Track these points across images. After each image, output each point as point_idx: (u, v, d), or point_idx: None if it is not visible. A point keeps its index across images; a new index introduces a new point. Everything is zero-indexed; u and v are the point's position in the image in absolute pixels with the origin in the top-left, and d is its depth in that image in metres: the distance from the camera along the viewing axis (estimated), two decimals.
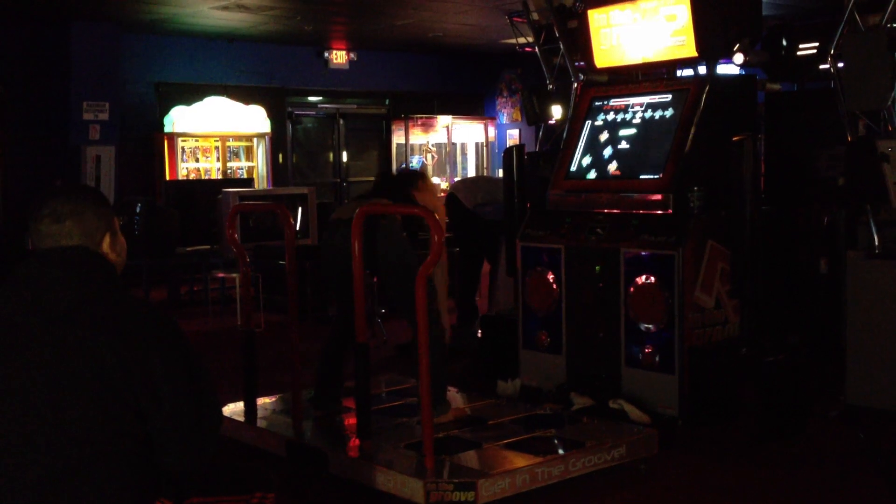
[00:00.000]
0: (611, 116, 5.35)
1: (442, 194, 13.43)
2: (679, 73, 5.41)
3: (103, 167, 10.72)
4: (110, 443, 2.03)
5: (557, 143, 5.96)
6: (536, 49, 6.51)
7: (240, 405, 4.77)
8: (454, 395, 5.04)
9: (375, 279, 7.39)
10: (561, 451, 4.04)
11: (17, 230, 8.79)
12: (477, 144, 14.47)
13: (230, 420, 4.61)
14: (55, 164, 10.80)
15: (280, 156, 13.04)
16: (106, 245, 2.22)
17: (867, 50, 4.86)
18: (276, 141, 12.74)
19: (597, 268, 4.96)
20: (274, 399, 5.00)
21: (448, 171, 13.76)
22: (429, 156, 13.91)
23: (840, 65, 5.04)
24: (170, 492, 2.20)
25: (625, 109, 5.30)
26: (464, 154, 14.55)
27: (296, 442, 4.32)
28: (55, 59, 10.92)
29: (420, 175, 5.29)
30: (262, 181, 12.27)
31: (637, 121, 5.20)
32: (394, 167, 13.95)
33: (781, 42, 5.77)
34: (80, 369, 2.02)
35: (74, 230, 2.18)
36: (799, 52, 5.75)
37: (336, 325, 4.84)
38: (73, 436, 2.00)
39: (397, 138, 13.99)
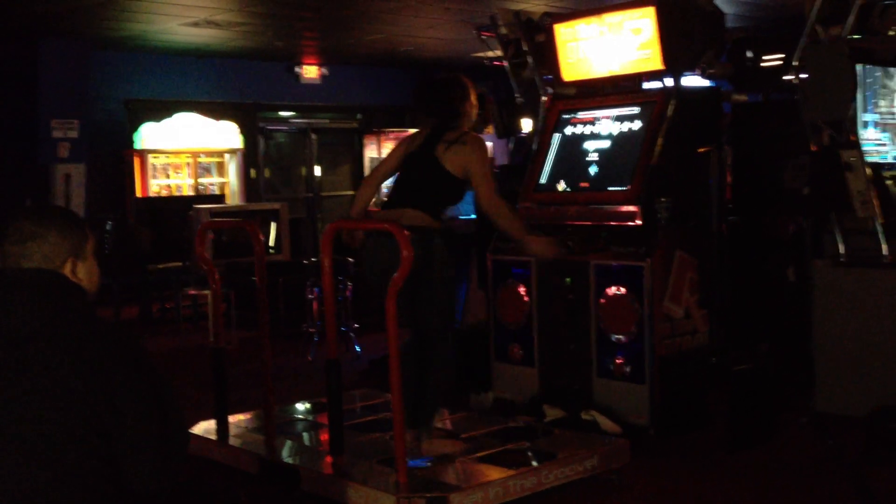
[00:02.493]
0: (579, 129, 5.40)
1: None
2: (645, 85, 5.46)
3: (73, 185, 10.63)
4: (76, 464, 2.02)
5: (527, 155, 5.99)
6: (505, 63, 6.55)
7: (211, 423, 4.74)
8: None
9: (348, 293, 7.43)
10: (534, 464, 4.05)
11: None
12: None
13: (202, 438, 4.59)
14: (24, 182, 10.70)
15: (252, 171, 13.00)
16: (67, 270, 2.20)
17: (828, 61, 4.93)
18: (248, 156, 12.71)
19: (567, 280, 4.99)
20: (246, 416, 4.98)
21: None
22: None
23: (803, 76, 5.11)
24: None
25: (593, 122, 5.35)
26: None
27: (268, 459, 4.30)
28: (23, 76, 10.83)
29: (465, 81, 4.60)
30: (234, 197, 12.23)
31: (605, 133, 5.25)
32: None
33: (746, 54, 5.84)
34: (42, 391, 2.01)
35: (35, 252, 2.16)
36: (763, 64, 5.82)
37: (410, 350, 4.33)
38: (38, 458, 1.99)
39: (370, 152, 13.99)
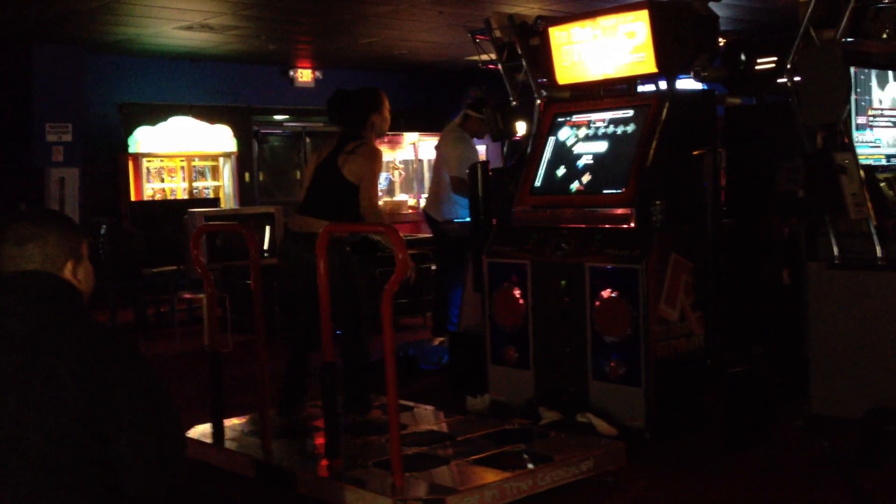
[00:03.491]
0: (573, 132, 5.41)
1: (410, 210, 13.56)
2: (640, 88, 5.47)
3: (67, 189, 10.63)
4: (72, 468, 2.02)
5: (522, 158, 6.00)
6: (499, 66, 6.56)
7: (207, 427, 4.74)
8: (424, 412, 5.05)
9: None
10: (530, 466, 4.05)
11: None
12: None
13: (198, 442, 4.59)
14: (18, 186, 10.70)
15: (246, 175, 13.00)
16: (68, 271, 2.21)
17: (822, 64, 4.95)
18: (243, 160, 12.71)
19: (562, 282, 5.00)
20: (242, 420, 4.98)
21: (416, 187, 13.79)
22: (396, 173, 13.95)
23: (797, 79, 5.13)
24: None
25: (587, 125, 5.36)
26: (431, 170, 14.57)
27: (264, 462, 4.30)
28: (17, 80, 10.83)
29: (378, 94, 5.11)
30: (228, 201, 12.23)
31: (599, 136, 5.26)
32: None
33: (740, 57, 5.85)
34: (40, 395, 2.01)
35: (36, 255, 2.17)
36: (757, 67, 5.83)
37: (300, 332, 5.03)
38: (35, 462, 1.99)
39: None
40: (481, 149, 14.50)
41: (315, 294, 4.13)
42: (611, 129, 5.22)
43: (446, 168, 7.33)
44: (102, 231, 8.91)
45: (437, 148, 7.76)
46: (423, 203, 11.60)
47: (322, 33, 10.99)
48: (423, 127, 14.30)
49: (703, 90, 5.67)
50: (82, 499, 2.04)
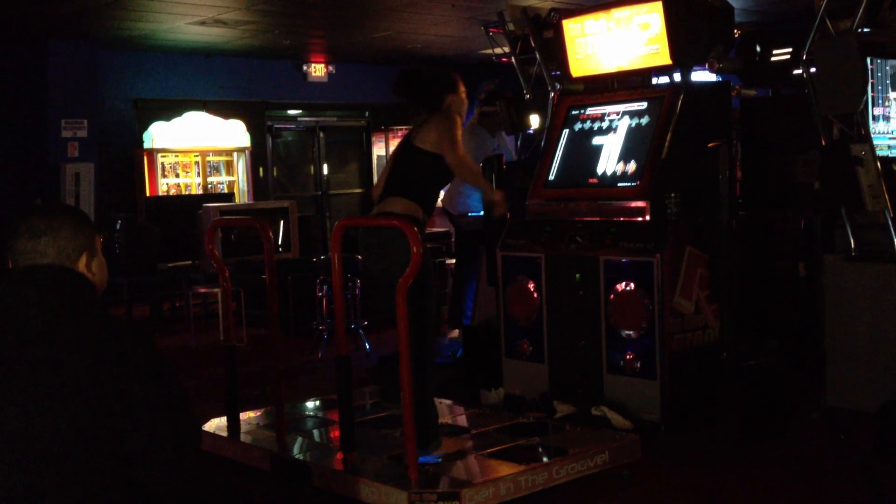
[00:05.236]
0: (587, 125, 5.39)
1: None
2: (654, 80, 5.45)
3: (83, 184, 10.67)
4: (89, 461, 2.03)
5: (536, 152, 5.99)
6: (513, 59, 6.55)
7: (223, 420, 4.76)
8: (439, 405, 5.05)
9: (357, 291, 7.45)
10: (545, 459, 4.06)
11: None
12: None
13: (213, 435, 4.61)
14: (34, 182, 10.75)
15: (260, 170, 13.02)
16: (82, 264, 2.21)
17: (838, 55, 4.91)
18: (257, 155, 12.73)
19: (577, 276, 4.99)
20: (257, 413, 4.99)
21: None
22: None
23: (812, 70, 5.09)
24: None
25: (601, 118, 5.34)
26: None
27: (279, 456, 4.31)
28: (32, 77, 10.87)
29: (453, 75, 4.59)
30: (242, 195, 12.25)
31: (613, 129, 5.24)
32: (375, 179, 13.95)
33: (755, 48, 5.82)
34: (55, 388, 2.02)
35: (49, 248, 2.17)
36: (773, 58, 5.80)
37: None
38: (51, 455, 2.00)
39: (378, 150, 14.00)
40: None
41: (388, 277, 3.95)
42: (625, 121, 5.20)
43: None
44: (118, 226, 8.94)
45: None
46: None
47: (335, 28, 10.98)
48: None
49: (717, 82, 5.65)
50: (98, 492, 2.05)
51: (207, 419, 4.79)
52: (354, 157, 14.62)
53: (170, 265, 9.18)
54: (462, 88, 4.58)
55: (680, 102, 4.96)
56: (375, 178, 13.87)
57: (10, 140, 10.97)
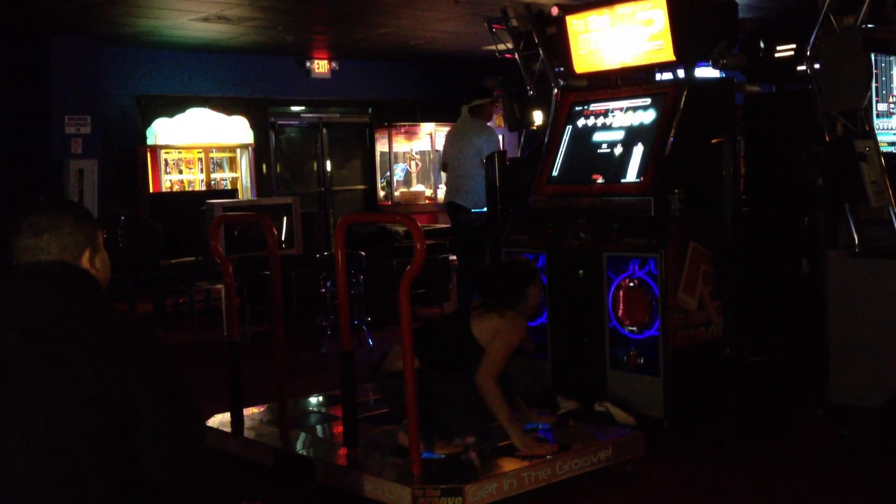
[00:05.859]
0: (591, 121, 5.39)
1: (427, 201, 13.56)
2: (657, 76, 5.44)
3: (86, 181, 10.68)
4: (93, 457, 2.03)
5: (539, 148, 5.98)
6: (516, 55, 6.54)
7: (226, 416, 4.77)
8: None
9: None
10: (548, 455, 4.05)
11: (0, 246, 8.74)
12: None
13: (217, 431, 4.61)
14: (38, 178, 10.76)
15: (264, 166, 13.02)
16: (85, 260, 2.21)
17: (842, 51, 4.91)
18: (260, 151, 12.73)
19: (580, 271, 4.98)
20: (261, 409, 5.00)
21: (432, 178, 13.77)
22: (412, 163, 13.94)
23: (816, 66, 5.09)
24: None
25: (605, 114, 5.34)
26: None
27: (283, 451, 4.32)
28: (36, 73, 10.88)
29: (535, 271, 4.42)
30: (246, 192, 12.25)
31: (617, 125, 5.24)
32: (378, 176, 13.95)
33: (759, 44, 5.81)
34: (59, 384, 2.02)
35: (52, 244, 2.17)
36: (776, 54, 5.79)
37: None
38: (56, 451, 2.00)
39: (381, 146, 14.00)
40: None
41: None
42: (628, 117, 5.19)
43: (475, 154, 7.19)
44: (121, 222, 8.95)
45: (455, 139, 7.66)
46: (440, 193, 11.61)
47: (338, 24, 10.98)
48: (440, 117, 14.27)
49: (721, 78, 5.65)
50: (102, 487, 2.05)
51: (211, 415, 4.79)
52: (357, 153, 14.62)
53: (173, 261, 9.19)
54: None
55: (683, 98, 4.95)
56: (378, 175, 13.94)
57: (13, 136, 10.98)
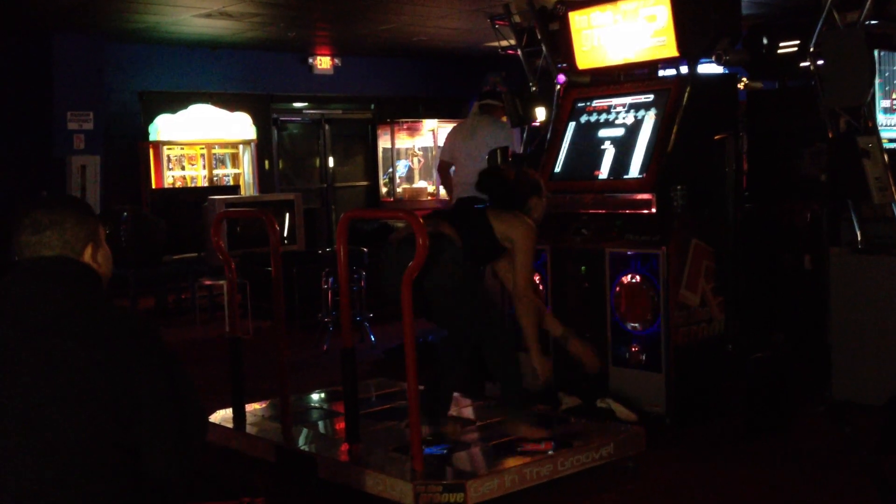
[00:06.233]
0: (594, 117, 5.38)
1: (430, 198, 13.55)
2: (660, 72, 5.43)
3: (89, 177, 10.68)
4: (96, 452, 2.03)
5: (541, 144, 5.98)
6: (519, 52, 6.54)
7: (229, 412, 4.77)
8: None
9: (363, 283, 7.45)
10: (550, 451, 4.05)
11: (2, 242, 8.75)
12: None
13: (219, 427, 4.62)
14: (40, 174, 10.77)
15: (266, 162, 13.02)
16: (87, 255, 2.21)
17: (845, 47, 4.90)
18: (262, 147, 12.72)
19: (582, 268, 4.98)
20: (263, 405, 5.00)
21: (435, 174, 13.77)
22: (415, 160, 13.93)
23: (819, 62, 5.08)
24: (157, 500, 2.20)
25: (607, 110, 5.33)
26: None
27: (285, 447, 4.32)
28: (38, 69, 10.88)
29: (538, 184, 4.57)
30: (248, 188, 12.25)
31: (620, 121, 5.23)
32: (380, 172, 13.95)
33: (762, 41, 5.81)
34: (62, 380, 2.02)
35: (54, 240, 2.17)
36: (779, 51, 5.79)
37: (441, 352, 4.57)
38: (58, 446, 2.00)
39: (383, 143, 13.99)
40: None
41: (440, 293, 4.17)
42: (631, 113, 5.19)
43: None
44: (123, 218, 8.95)
45: (466, 136, 7.58)
46: (442, 191, 11.57)
47: (341, 20, 10.97)
48: (443, 114, 14.27)
49: (724, 74, 5.63)
50: (105, 483, 2.05)
51: (213, 411, 4.80)
52: (360, 149, 14.61)
53: (175, 257, 9.20)
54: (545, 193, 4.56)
55: (686, 95, 4.94)
56: (380, 172, 13.93)
57: (16, 132, 10.98)
